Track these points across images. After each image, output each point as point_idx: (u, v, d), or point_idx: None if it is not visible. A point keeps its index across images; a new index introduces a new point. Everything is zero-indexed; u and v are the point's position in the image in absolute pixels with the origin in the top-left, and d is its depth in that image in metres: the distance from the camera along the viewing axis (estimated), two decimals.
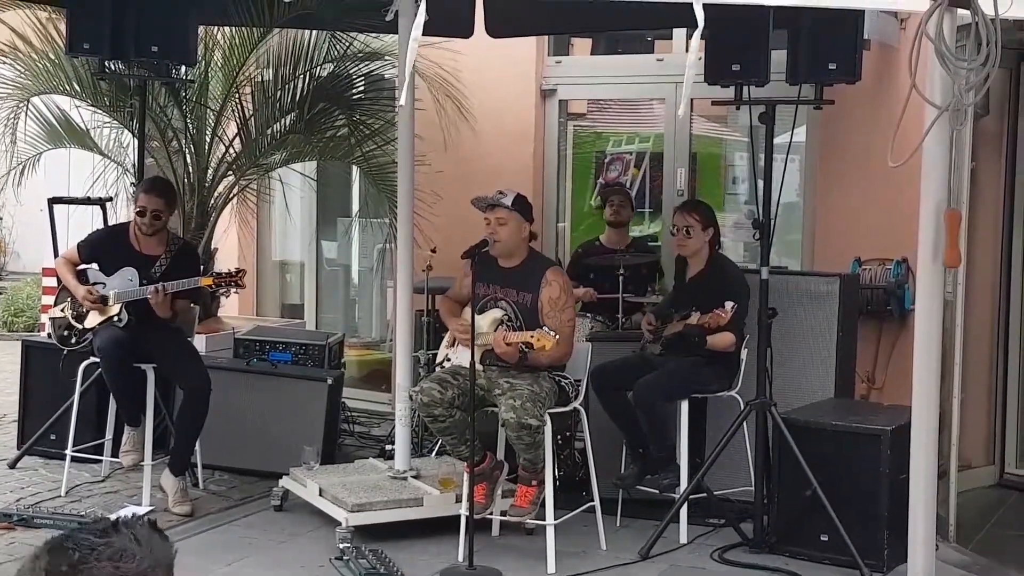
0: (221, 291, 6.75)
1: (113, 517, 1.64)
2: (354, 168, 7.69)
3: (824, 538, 4.82)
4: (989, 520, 5.61)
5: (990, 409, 6.25)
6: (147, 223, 5.42)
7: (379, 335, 8.59)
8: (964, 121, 2.68)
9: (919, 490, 2.85)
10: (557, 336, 4.67)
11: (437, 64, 6.86)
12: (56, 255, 6.45)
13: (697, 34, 2.88)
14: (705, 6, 2.90)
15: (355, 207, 8.34)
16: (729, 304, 4.91)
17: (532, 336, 4.69)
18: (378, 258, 8.20)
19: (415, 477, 5.36)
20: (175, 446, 5.54)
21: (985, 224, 6.01)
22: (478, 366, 4.77)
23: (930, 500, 2.87)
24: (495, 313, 4.94)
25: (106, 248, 5.55)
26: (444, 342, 5.32)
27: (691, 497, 5.09)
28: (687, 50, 6.80)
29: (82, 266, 5.55)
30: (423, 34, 5.36)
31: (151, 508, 5.33)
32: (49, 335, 5.78)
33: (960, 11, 2.58)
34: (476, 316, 4.81)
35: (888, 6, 4.76)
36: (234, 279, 5.43)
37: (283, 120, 7.09)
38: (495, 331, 4.87)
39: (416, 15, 3.02)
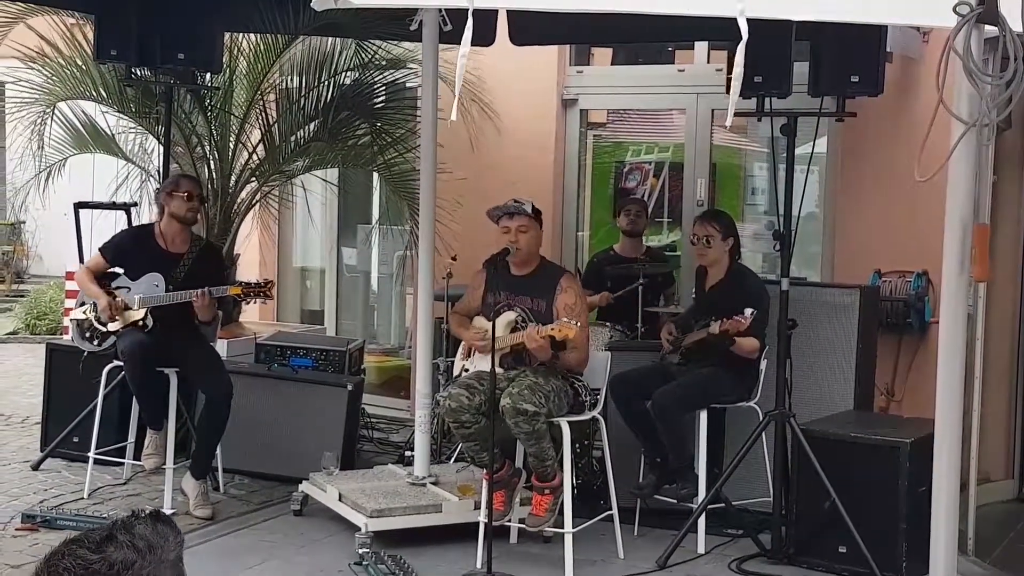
0: (248, 301, 6.76)
1: (112, 522, 1.61)
2: (375, 175, 7.74)
3: (843, 550, 4.82)
4: (1008, 534, 5.59)
5: (1010, 423, 6.23)
6: (195, 207, 5.50)
7: (398, 342, 8.63)
8: (991, 137, 2.69)
9: (941, 503, 2.85)
10: (578, 323, 4.68)
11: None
12: (81, 259, 6.50)
13: (741, 47, 2.90)
14: (732, 20, 2.93)
15: (375, 214, 8.38)
16: (749, 311, 4.91)
17: (553, 328, 4.71)
18: (398, 265, 8.24)
19: (434, 483, 5.38)
20: (196, 450, 5.58)
21: (1006, 237, 6.01)
22: (499, 370, 4.80)
23: (952, 513, 2.87)
24: (509, 316, 4.97)
25: (132, 248, 5.60)
26: (459, 353, 5.34)
27: (709, 507, 5.10)
28: (708, 60, 6.92)
29: (109, 270, 5.60)
30: (446, 42, 5.46)
31: (172, 511, 5.37)
32: (71, 338, 5.82)
33: (987, 26, 2.60)
34: (489, 322, 4.82)
35: (913, 21, 4.76)
36: (262, 290, 5.46)
37: (306, 127, 7.14)
38: (511, 333, 4.90)
39: (464, 30, 3.02)
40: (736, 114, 5.68)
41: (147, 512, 1.63)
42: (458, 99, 3.62)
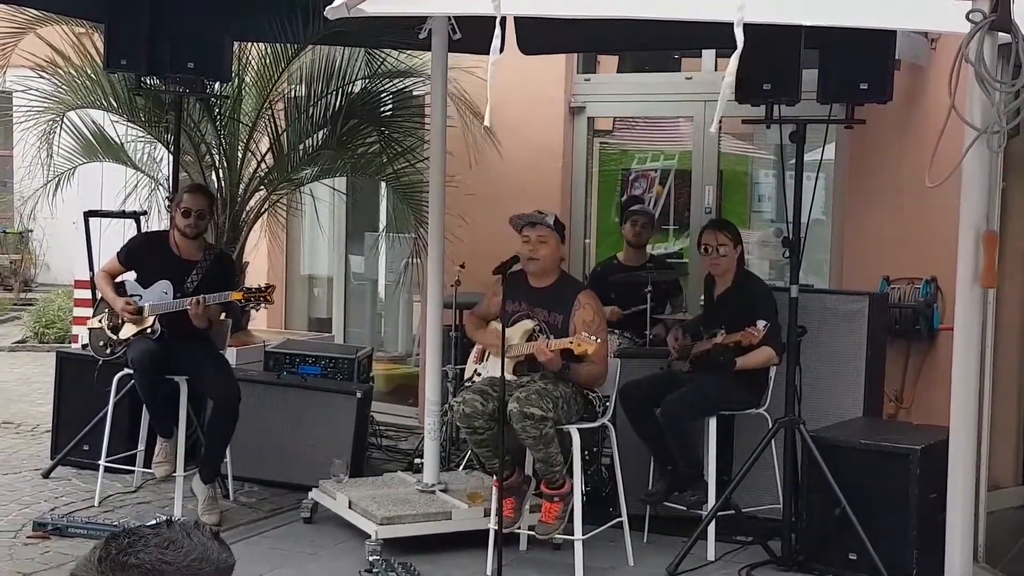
0: (250, 306, 6.78)
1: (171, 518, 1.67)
2: (382, 183, 7.75)
3: (852, 557, 4.82)
4: (1018, 541, 5.58)
5: (1019, 430, 6.21)
6: (192, 223, 5.50)
7: (405, 349, 8.63)
8: (1002, 144, 2.70)
9: (956, 510, 2.86)
10: (597, 339, 4.68)
11: (464, 85, 6.90)
12: (91, 268, 6.52)
13: (736, 56, 2.91)
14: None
15: (383, 222, 8.39)
16: (761, 323, 4.92)
17: (571, 342, 4.71)
18: (401, 272, 8.23)
19: (443, 491, 5.39)
20: (205, 454, 5.60)
21: (1014, 244, 5.99)
22: (512, 376, 4.80)
23: (967, 520, 2.88)
24: (527, 324, 4.97)
25: (146, 252, 5.64)
26: (471, 356, 5.35)
27: (719, 514, 5.10)
28: (716, 68, 6.93)
29: (120, 277, 5.63)
30: (455, 51, 5.47)
31: (182, 519, 5.38)
32: (84, 346, 5.84)
33: (1000, 33, 2.61)
34: (506, 328, 4.82)
35: (927, 27, 4.77)
36: (263, 294, 5.48)
37: (315, 136, 7.15)
38: (527, 341, 4.90)
39: (492, 38, 3.03)
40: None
41: (208, 528, 1.67)
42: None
